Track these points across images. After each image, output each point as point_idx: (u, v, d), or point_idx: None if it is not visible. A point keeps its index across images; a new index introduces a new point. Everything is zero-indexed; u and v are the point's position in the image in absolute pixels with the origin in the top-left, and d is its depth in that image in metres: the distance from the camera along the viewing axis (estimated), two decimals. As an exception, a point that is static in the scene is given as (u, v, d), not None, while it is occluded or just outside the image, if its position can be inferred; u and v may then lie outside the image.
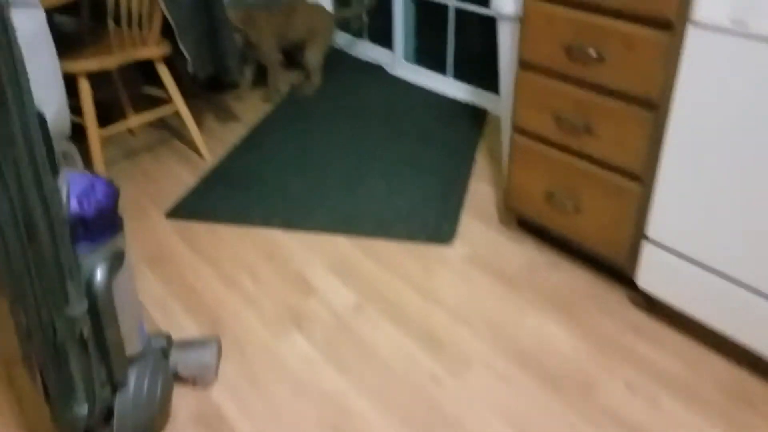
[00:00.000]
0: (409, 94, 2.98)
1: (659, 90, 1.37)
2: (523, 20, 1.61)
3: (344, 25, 3.58)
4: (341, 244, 1.93)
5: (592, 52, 1.46)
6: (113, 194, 1.08)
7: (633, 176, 1.51)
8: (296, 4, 2.96)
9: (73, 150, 1.10)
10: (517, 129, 1.76)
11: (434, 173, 2.29)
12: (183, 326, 1.61)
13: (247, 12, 2.74)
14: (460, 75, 2.96)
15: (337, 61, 3.36)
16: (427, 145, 2.49)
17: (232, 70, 2.31)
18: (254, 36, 2.75)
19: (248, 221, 2.03)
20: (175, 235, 1.98)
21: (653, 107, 1.40)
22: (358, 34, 3.50)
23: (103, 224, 1.04)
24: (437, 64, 3.04)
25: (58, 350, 1.00)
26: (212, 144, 2.56)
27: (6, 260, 0.94)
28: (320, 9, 3.02)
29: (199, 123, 2.76)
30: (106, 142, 2.58)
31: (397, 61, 3.23)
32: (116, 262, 1.07)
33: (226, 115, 2.83)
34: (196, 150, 2.45)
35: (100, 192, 1.05)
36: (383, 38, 3.30)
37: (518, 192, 1.83)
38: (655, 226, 1.49)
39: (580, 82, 1.54)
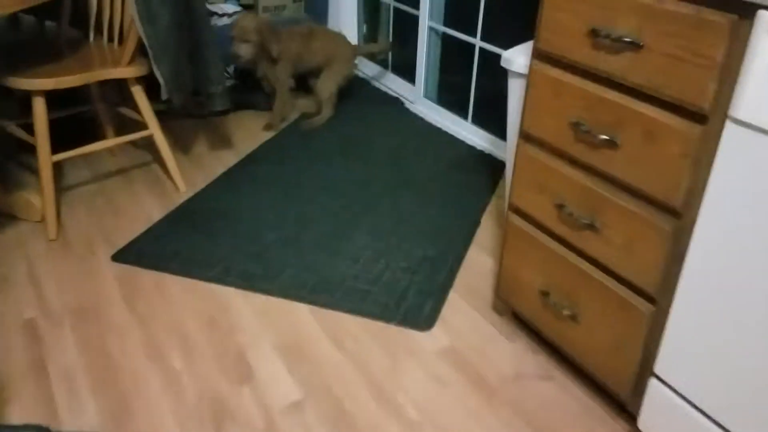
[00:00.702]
0: (425, 135, 2.74)
1: (684, 194, 1.08)
2: (528, 85, 1.34)
3: (371, 55, 3.37)
4: (301, 316, 1.69)
5: (603, 135, 1.18)
6: None
7: (644, 294, 1.22)
8: (316, 29, 2.75)
9: None
10: (513, 208, 1.49)
11: (430, 235, 2.03)
12: (84, 410, 1.39)
13: (267, 25, 2.54)
14: (481, 120, 2.69)
15: (356, 88, 3.14)
16: (430, 199, 2.23)
17: (215, 97, 2.10)
18: (274, 50, 2.55)
19: (201, 275, 1.81)
20: (114, 284, 1.77)
21: (675, 214, 1.12)
22: (381, 63, 3.28)
23: None
24: (458, 106, 2.78)
25: None
26: (193, 173, 2.36)
27: None
28: (341, 38, 2.80)
29: (186, 146, 2.57)
30: (77, 160, 2.42)
31: (417, 97, 2.99)
32: None
33: (220, 141, 2.64)
34: (173, 179, 2.25)
35: None
36: (407, 71, 3.06)
37: (510, 282, 1.56)
38: (665, 362, 1.19)
39: (587, 168, 1.27)
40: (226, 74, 2.81)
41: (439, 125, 2.83)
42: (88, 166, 2.38)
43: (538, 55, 1.32)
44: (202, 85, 2.10)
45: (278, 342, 1.60)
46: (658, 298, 1.19)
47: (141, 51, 1.98)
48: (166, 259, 1.86)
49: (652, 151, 1.11)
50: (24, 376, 1.46)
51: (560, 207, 1.34)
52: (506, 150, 1.84)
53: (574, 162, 1.29)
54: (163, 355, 1.54)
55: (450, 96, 2.89)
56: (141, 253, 1.89)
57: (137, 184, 2.28)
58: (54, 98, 2.11)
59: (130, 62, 1.97)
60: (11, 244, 1.91)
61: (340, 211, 2.15)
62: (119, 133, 2.37)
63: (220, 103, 2.11)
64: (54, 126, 2.41)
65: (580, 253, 1.34)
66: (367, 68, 3.35)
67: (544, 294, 1.44)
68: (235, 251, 1.91)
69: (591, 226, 1.27)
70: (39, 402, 1.39)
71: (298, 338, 1.61)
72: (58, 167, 2.36)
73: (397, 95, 3.10)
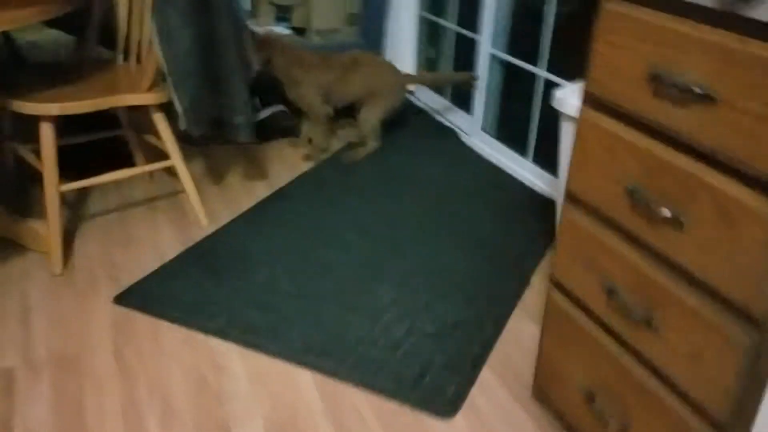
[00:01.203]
0: (478, 171, 2.51)
1: (766, 301, 0.82)
2: (576, 136, 1.10)
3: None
4: (303, 385, 1.49)
5: (665, 209, 0.93)
6: None
7: (711, 420, 0.95)
8: (362, 57, 2.59)
9: None
10: (555, 281, 1.25)
11: (468, 293, 1.79)
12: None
13: (283, 44, 2.41)
14: (542, 159, 2.43)
15: (410, 116, 2.95)
16: (473, 247, 2.00)
17: (239, 129, 1.96)
18: (295, 73, 2.41)
19: (202, 325, 1.65)
20: (108, 330, 1.63)
21: (756, 324, 0.85)
22: (438, 90, 3.08)
23: None
24: (518, 142, 2.54)
25: None
26: (219, 206, 2.23)
27: None
28: (388, 68, 2.62)
29: (218, 175, 2.45)
30: (98, 187, 2.34)
31: (473, 129, 2.76)
32: None
33: (255, 171, 2.51)
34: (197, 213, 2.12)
35: None
36: (465, 100, 2.85)
37: (550, 372, 1.31)
38: None
39: (645, 248, 1.01)
40: (256, 102, 2.69)
41: (495, 161, 2.59)
42: (116, 190, 2.30)
43: (588, 100, 1.08)
44: (225, 115, 1.96)
45: (271, 417, 1.40)
46: (729, 430, 0.92)
47: (163, 76, 1.86)
48: (169, 304, 1.72)
49: (728, 237, 0.85)
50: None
51: (610, 292, 1.08)
52: (557, 204, 1.59)
53: (628, 238, 1.04)
54: (141, 418, 1.38)
55: (510, 130, 2.65)
56: (145, 295, 1.75)
57: (160, 215, 2.17)
58: (82, 120, 2.03)
59: (150, 88, 1.86)
60: (15, 276, 1.82)
61: (367, 256, 1.95)
62: (150, 159, 2.27)
63: (245, 134, 1.96)
64: (83, 148, 2.35)
65: (635, 353, 1.07)
66: (423, 95, 3.16)
67: (589, 395, 1.18)
68: (243, 300, 1.74)
69: (647, 323, 1.01)
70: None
71: (295, 414, 1.41)
72: (82, 191, 2.29)
73: (452, 126, 2.89)
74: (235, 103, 1.93)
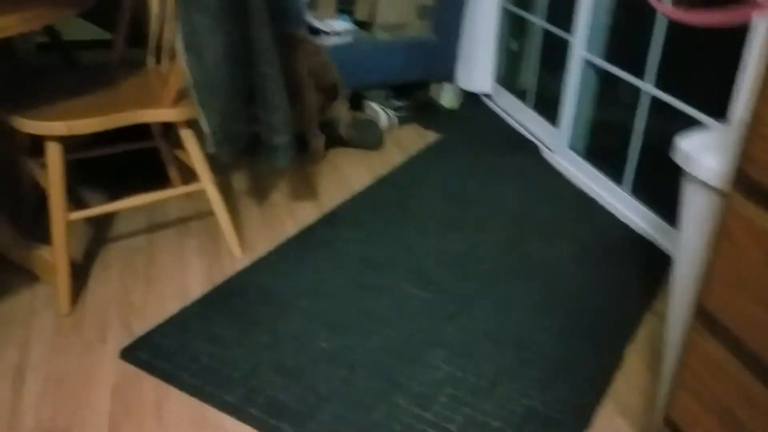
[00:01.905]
0: (561, 198, 2.15)
1: None
2: (720, 231, 0.75)
3: (509, 84, 2.81)
4: (330, 491, 1.21)
5: None
6: None
7: None
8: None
9: None
10: (669, 421, 0.90)
11: (545, 371, 1.46)
12: None
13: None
14: (642, 191, 2.04)
15: (483, 122, 2.61)
16: (554, 305, 1.66)
17: (277, 151, 1.69)
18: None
19: (216, 398, 1.39)
20: (108, 398, 1.41)
21: None
22: (519, 95, 2.71)
23: None
24: (612, 166, 2.15)
25: None
26: (257, 233, 1.98)
27: None
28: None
29: (262, 192, 2.20)
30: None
31: (558, 145, 2.39)
32: None
33: (304, 188, 2.24)
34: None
35: None
36: (550, 108, 2.48)
37: None
38: None
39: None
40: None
41: (583, 187, 2.22)
42: (137, 216, 2.08)
43: (744, 185, 0.73)
44: (262, 135, 1.69)
45: None
46: None
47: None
48: (181, 364, 1.48)
49: None
50: None
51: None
52: (673, 263, 1.23)
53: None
54: None
55: (603, 150, 2.27)
56: (156, 350, 1.52)
57: (191, 241, 1.93)
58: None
59: (175, 101, 1.60)
60: (20, 313, 1.63)
61: (422, 308, 1.65)
62: (185, 173, 2.05)
63: (284, 158, 1.69)
64: (112, 157, 2.15)
65: None
66: (502, 99, 2.80)
67: None
68: (269, 362, 1.48)
69: None
70: None
71: None
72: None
73: (533, 138, 2.52)
74: (273, 122, 1.65)
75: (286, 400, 1.38)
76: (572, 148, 2.35)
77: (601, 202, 2.14)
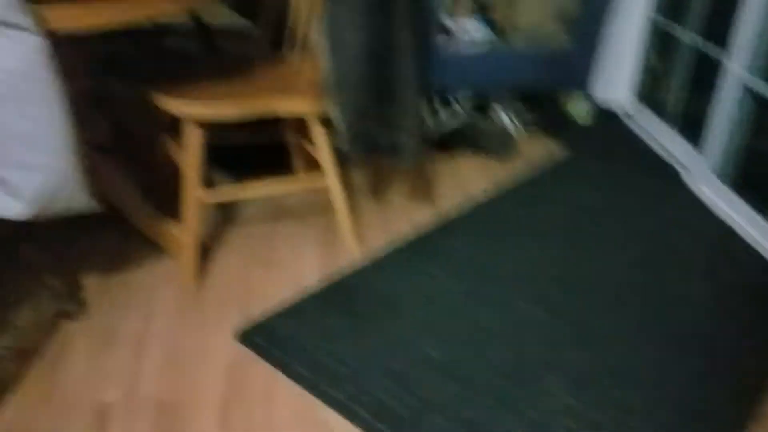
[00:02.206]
0: (703, 232, 2.00)
1: None
2: None
3: (649, 101, 2.66)
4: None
5: None
6: None
7: None
8: None
9: None
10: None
11: (672, 419, 1.35)
12: None
13: None
14: (798, 231, 1.86)
15: (620, 144, 2.48)
16: (685, 347, 1.55)
17: (403, 151, 1.68)
18: None
19: (325, 392, 1.40)
20: (222, 377, 1.44)
21: None
22: (662, 114, 2.55)
23: None
24: (763, 200, 1.98)
25: None
26: (376, 232, 1.98)
27: None
28: None
29: (380, 191, 2.19)
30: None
31: (700, 170, 2.23)
32: None
33: (421, 189, 2.21)
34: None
35: None
36: (693, 127, 2.31)
37: None
38: None
39: None
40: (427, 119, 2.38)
41: (727, 220, 2.05)
42: (269, 199, 2.12)
43: None
44: (391, 134, 1.68)
45: None
46: None
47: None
48: (294, 354, 1.49)
49: None
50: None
51: None
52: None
53: None
54: None
55: (754, 182, 2.09)
56: (271, 335, 1.54)
57: (309, 232, 1.96)
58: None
59: (311, 95, 1.62)
60: (147, 284, 1.71)
61: (538, 329, 1.57)
62: (312, 167, 2.07)
63: (409, 158, 1.67)
64: (243, 149, 2.22)
65: None
66: (639, 116, 2.65)
67: None
68: (378, 365, 1.46)
69: None
70: None
71: None
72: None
73: (673, 162, 2.37)
74: (404, 121, 1.64)
75: (392, 407, 1.36)
76: (717, 175, 2.18)
77: (747, 238, 1.96)
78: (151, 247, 1.83)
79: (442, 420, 1.33)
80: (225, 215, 2.03)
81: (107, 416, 1.33)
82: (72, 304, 1.59)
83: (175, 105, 1.53)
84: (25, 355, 1.45)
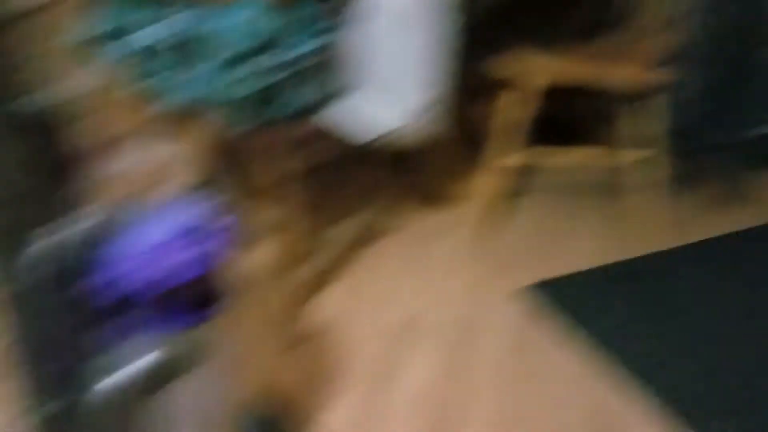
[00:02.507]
0: None
1: None
2: None
3: None
4: None
5: None
6: (217, 254, 0.73)
7: None
8: None
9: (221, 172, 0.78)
10: None
11: None
12: None
13: None
14: None
15: None
16: None
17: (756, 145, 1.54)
18: None
19: (607, 366, 1.39)
20: (510, 318, 1.51)
21: None
22: None
23: (176, 300, 0.72)
24: None
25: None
26: (685, 221, 1.86)
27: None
28: None
29: (696, 184, 2.04)
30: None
31: None
32: (158, 377, 0.75)
33: (747, 190, 2.00)
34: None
35: (196, 244, 0.72)
36: None
37: None
38: None
39: None
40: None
41: None
42: (567, 172, 2.10)
43: None
44: (744, 123, 1.55)
45: None
46: None
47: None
48: (581, 320, 1.50)
49: None
50: (371, 372, 1.37)
51: None
52: None
53: None
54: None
55: None
56: (557, 298, 1.57)
57: (607, 210, 1.91)
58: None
59: (653, 67, 1.57)
60: (438, 226, 1.83)
61: None
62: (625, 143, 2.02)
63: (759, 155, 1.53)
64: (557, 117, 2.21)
65: None
66: None
67: None
68: (671, 352, 1.41)
69: None
70: (368, 404, 1.28)
71: None
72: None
73: None
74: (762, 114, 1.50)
75: (686, 396, 1.31)
76: None
77: None
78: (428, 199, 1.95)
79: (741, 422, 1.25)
80: (522, 179, 2.06)
81: (411, 327, 1.50)
82: (383, 227, 1.79)
83: (510, 64, 1.59)
84: (343, 260, 1.68)
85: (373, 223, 1.81)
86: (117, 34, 1.14)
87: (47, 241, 0.65)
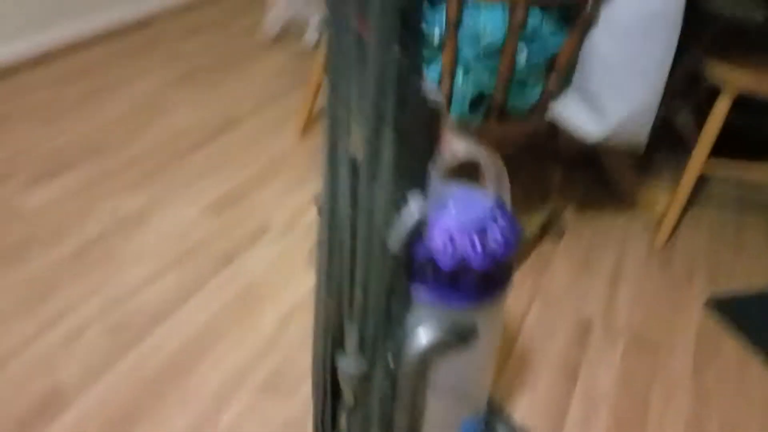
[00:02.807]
0: None
1: None
2: None
3: None
4: None
5: None
6: (511, 244, 0.80)
7: None
8: None
9: (501, 169, 0.84)
10: None
11: None
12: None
13: None
14: None
15: None
16: None
17: None
18: None
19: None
20: (692, 334, 1.52)
21: None
22: None
23: (479, 279, 0.79)
24: None
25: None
26: None
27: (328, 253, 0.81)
28: None
29: None
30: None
31: None
32: (455, 338, 0.82)
33: None
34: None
35: (498, 233, 0.79)
36: None
37: None
38: None
39: None
40: None
41: None
42: (741, 187, 2.09)
43: None
44: None
45: None
46: None
47: None
48: (765, 339, 1.49)
49: None
50: (554, 370, 1.41)
51: None
52: None
53: None
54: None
55: None
56: (741, 314, 1.56)
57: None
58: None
59: None
60: (614, 231, 1.86)
61: None
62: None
63: None
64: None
65: None
66: None
67: None
68: None
69: None
70: (551, 402, 1.33)
71: None
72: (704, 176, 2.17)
73: None
74: None
75: None
76: None
77: None
78: (620, 203, 1.97)
79: None
80: (699, 191, 2.06)
81: (589, 330, 1.52)
82: (558, 227, 1.82)
83: (714, 70, 1.60)
84: (524, 254, 1.72)
85: (556, 221, 1.85)
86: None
87: (418, 204, 0.73)
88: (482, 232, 0.76)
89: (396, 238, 0.73)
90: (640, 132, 1.34)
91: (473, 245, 0.75)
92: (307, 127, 2.22)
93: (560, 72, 1.31)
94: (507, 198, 0.87)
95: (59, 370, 1.31)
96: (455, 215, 0.78)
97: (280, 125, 2.27)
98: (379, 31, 0.63)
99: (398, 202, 0.72)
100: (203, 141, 2.14)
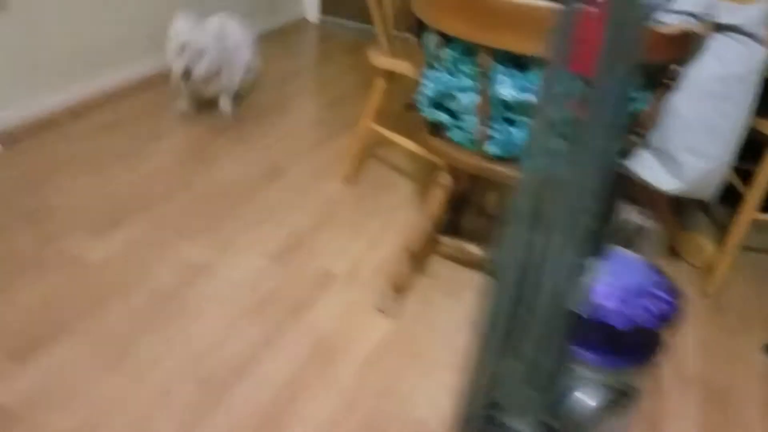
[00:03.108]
0: None
1: None
2: None
3: None
4: None
5: None
6: (672, 309, 0.84)
7: None
8: None
9: (650, 229, 0.90)
10: None
11: None
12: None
13: None
14: None
15: None
16: None
17: None
18: None
19: None
20: (755, 379, 1.57)
21: None
22: None
23: (634, 342, 0.84)
24: None
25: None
26: None
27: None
28: None
29: None
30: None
31: None
32: (620, 400, 0.85)
33: None
34: None
35: (664, 295, 0.83)
36: None
37: None
38: None
39: None
40: None
41: None
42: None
43: None
44: None
45: None
46: None
47: None
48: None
49: None
50: (636, 420, 1.44)
51: None
52: None
53: None
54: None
55: None
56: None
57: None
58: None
59: None
60: (679, 273, 1.91)
61: None
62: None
63: None
64: None
65: None
66: None
67: None
68: None
69: None
70: None
71: None
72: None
73: None
74: None
75: None
76: None
77: None
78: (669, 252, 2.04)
79: None
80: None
81: (659, 377, 1.57)
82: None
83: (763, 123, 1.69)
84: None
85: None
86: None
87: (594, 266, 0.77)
88: (651, 296, 0.81)
89: (575, 299, 0.77)
90: (713, 185, 1.41)
91: (646, 307, 0.79)
92: (352, 172, 2.27)
93: (644, 131, 1.38)
94: (658, 261, 0.91)
95: (157, 424, 1.31)
96: (624, 279, 0.82)
97: (327, 170, 2.32)
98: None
99: (580, 267, 0.77)
100: (252, 189, 2.17)
